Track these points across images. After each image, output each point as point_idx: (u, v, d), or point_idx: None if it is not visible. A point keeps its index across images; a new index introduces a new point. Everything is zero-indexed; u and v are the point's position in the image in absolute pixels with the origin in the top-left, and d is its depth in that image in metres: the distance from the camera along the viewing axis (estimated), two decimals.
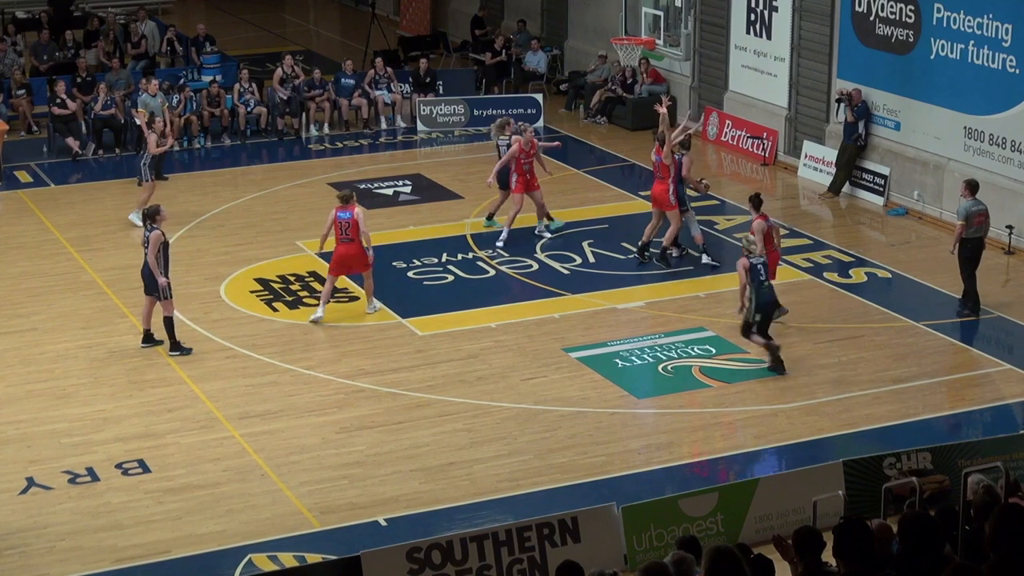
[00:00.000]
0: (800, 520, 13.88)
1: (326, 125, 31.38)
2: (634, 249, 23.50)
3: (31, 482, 16.34)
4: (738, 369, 19.26)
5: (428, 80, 32.80)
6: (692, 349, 19.88)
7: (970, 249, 20.98)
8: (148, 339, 20.00)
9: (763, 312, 18.97)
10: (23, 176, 28.08)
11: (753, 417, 18.10)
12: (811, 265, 23.13)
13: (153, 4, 41.86)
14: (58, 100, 29.52)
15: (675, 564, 9.55)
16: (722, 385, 18.85)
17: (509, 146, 24.26)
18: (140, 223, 23.53)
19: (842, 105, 26.81)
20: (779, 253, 20.89)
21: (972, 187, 21.15)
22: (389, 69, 32.67)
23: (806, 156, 28.20)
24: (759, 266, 18.85)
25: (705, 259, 22.99)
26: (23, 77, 32.14)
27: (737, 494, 15.12)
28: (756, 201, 20.61)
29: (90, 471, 16.56)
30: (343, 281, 22.19)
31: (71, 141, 29.17)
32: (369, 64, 33.36)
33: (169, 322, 19.85)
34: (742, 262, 18.90)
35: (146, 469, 16.64)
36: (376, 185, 27.56)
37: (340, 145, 30.54)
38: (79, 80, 30.99)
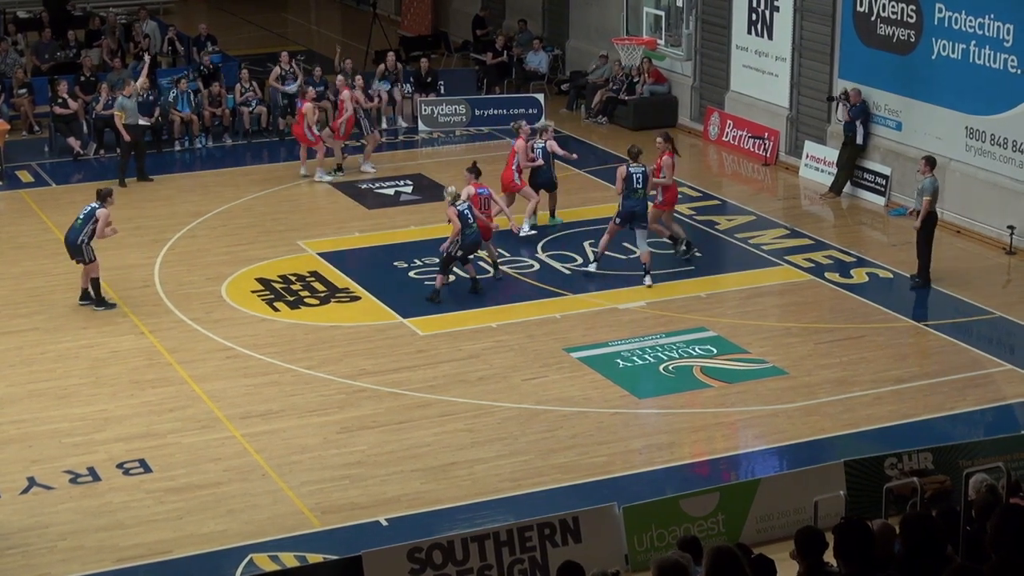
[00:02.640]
0: (801, 520, 13.86)
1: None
2: (636, 249, 23.59)
3: (32, 482, 16.34)
4: (739, 369, 19.26)
5: (429, 80, 32.77)
6: (693, 349, 19.88)
7: (932, 224, 21.90)
8: (86, 296, 21.46)
9: (465, 250, 21.63)
10: (24, 176, 28.08)
11: (754, 417, 18.10)
12: (812, 265, 23.13)
13: (155, 4, 41.89)
14: (60, 100, 29.53)
15: None
16: (723, 385, 18.85)
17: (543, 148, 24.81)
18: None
19: (839, 103, 26.84)
20: (492, 222, 22.55)
21: (932, 163, 22.12)
22: (400, 65, 32.39)
23: (807, 156, 28.20)
24: (466, 211, 21.50)
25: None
26: (25, 76, 32.14)
27: (738, 494, 15.11)
28: (474, 170, 22.68)
29: (91, 471, 16.56)
30: (343, 281, 22.22)
31: (72, 141, 29.16)
32: (371, 63, 33.30)
33: (97, 283, 21.38)
34: (451, 210, 21.51)
35: (147, 469, 16.64)
36: (377, 185, 27.57)
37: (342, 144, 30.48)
38: (81, 80, 30.99)
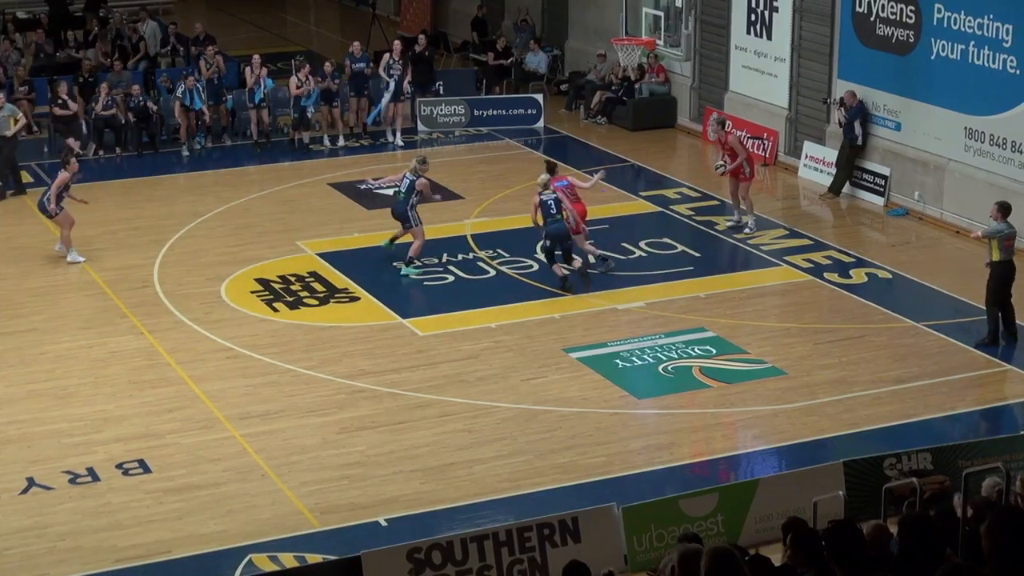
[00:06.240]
0: None
1: (326, 136, 31.05)
2: (636, 249, 23.63)
3: (31, 482, 16.33)
4: (738, 369, 19.25)
5: (426, 55, 32.45)
6: (692, 349, 19.88)
7: (1000, 273, 19.82)
8: None
9: (552, 239, 21.94)
10: (24, 176, 28.03)
11: (754, 417, 18.10)
12: (811, 266, 23.13)
13: (154, 4, 41.89)
14: (59, 101, 29.51)
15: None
16: (722, 385, 18.84)
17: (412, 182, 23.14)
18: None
19: (837, 109, 26.88)
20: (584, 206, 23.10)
21: (1004, 210, 19.75)
22: (404, 58, 31.85)
23: (806, 156, 28.21)
24: (550, 202, 21.88)
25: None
26: (24, 74, 32.17)
27: (737, 494, 15.12)
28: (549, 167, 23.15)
29: (91, 471, 16.56)
30: (343, 281, 22.20)
31: (72, 141, 29.13)
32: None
33: None
34: (534, 199, 22.23)
35: (146, 469, 16.64)
36: (376, 185, 27.55)
37: (341, 145, 30.48)
38: (80, 80, 30.97)
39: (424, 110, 31.75)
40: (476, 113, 31.93)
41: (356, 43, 31.94)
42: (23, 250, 24.04)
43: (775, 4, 28.86)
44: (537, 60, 34.90)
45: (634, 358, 19.65)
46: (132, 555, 14.87)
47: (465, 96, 32.56)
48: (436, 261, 23.34)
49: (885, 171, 26.31)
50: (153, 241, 24.36)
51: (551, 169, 23.19)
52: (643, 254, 23.73)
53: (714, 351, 19.83)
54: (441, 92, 32.97)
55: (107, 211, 25.97)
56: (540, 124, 31.73)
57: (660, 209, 26.13)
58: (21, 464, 16.79)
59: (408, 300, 21.84)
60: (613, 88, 32.21)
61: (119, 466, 16.71)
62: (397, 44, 31.70)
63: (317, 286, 22.35)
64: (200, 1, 47.07)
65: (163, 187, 27.69)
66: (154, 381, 19.02)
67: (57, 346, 20.19)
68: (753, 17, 29.58)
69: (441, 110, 31.90)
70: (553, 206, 21.95)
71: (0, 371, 19.43)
